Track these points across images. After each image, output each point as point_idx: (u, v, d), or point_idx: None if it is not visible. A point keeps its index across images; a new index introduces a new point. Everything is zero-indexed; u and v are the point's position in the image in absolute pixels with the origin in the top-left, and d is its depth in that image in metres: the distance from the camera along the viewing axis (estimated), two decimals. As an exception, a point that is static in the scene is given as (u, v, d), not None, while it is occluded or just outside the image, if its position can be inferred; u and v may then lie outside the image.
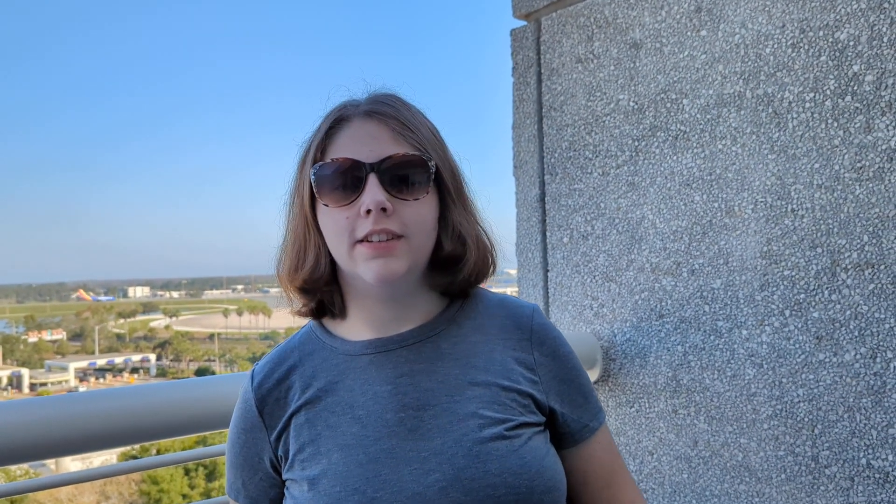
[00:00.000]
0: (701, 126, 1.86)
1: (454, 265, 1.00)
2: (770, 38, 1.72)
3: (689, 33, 1.88)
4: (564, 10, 2.20)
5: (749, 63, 1.76)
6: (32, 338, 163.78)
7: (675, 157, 1.91)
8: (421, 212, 0.95)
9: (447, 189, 0.99)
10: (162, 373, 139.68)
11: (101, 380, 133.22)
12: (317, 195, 0.97)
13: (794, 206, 1.68)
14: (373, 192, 0.91)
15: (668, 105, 1.93)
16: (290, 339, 1.10)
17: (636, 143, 2.00)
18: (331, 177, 0.95)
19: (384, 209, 0.91)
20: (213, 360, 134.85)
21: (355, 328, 1.03)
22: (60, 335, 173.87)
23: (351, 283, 1.01)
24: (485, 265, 1.05)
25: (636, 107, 2.00)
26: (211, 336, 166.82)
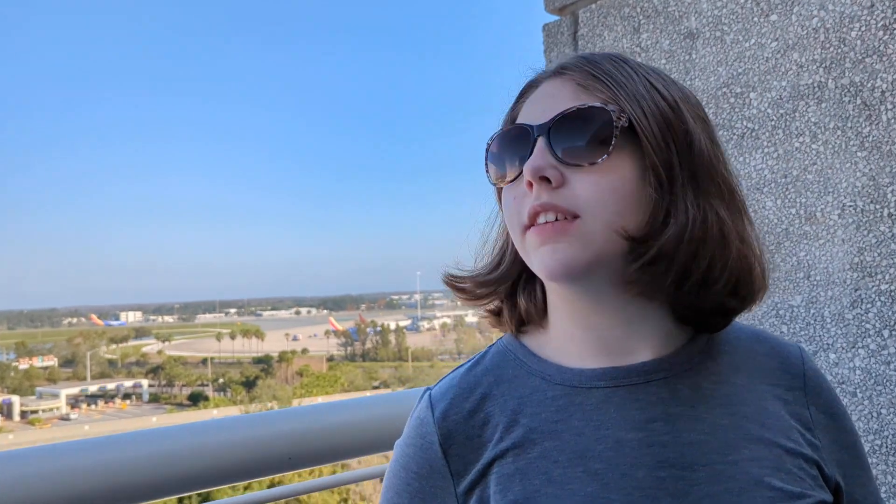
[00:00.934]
0: (773, 122, 1.65)
1: (670, 268, 0.70)
2: (856, 20, 1.52)
3: (756, 19, 1.67)
4: (605, 1, 2.00)
5: (831, 49, 1.55)
6: (23, 364, 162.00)
7: (741, 159, 1.70)
8: (601, 182, 0.69)
9: (662, 155, 0.71)
10: (154, 398, 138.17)
11: (93, 406, 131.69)
12: (488, 174, 0.79)
13: (892, 210, 1.46)
14: (533, 157, 0.70)
15: (732, 100, 1.72)
16: (477, 358, 0.84)
17: (694, 144, 1.79)
18: (498, 150, 0.77)
19: (546, 178, 0.70)
20: (207, 385, 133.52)
21: (568, 349, 0.78)
22: (52, 361, 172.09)
23: (551, 285, 0.78)
24: (750, 282, 0.75)
25: (693, 103, 1.79)
26: (204, 360, 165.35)
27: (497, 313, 0.85)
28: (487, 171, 0.78)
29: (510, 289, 0.81)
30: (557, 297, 0.78)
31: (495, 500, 0.72)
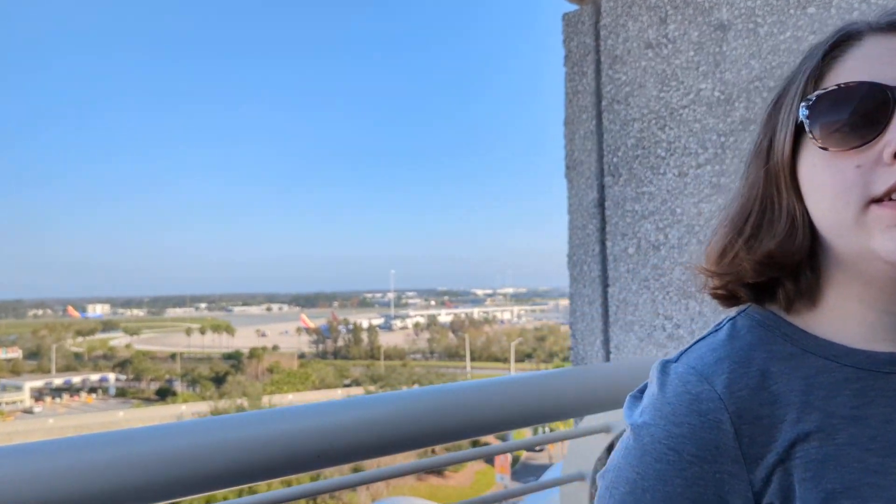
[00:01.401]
0: (808, 118, 1.60)
1: None
2: (900, 13, 1.48)
3: (792, 11, 1.63)
4: (629, -10, 1.95)
5: (872, 43, 1.52)
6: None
7: (773, 155, 1.66)
8: None
9: None
10: (121, 393, 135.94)
11: (58, 399, 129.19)
12: (812, 136, 0.67)
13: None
14: None
15: (765, 94, 1.67)
16: (726, 330, 0.75)
17: (722, 139, 1.74)
18: (836, 109, 0.65)
19: None
20: (175, 380, 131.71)
21: (850, 330, 0.71)
22: (16, 353, 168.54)
23: (841, 261, 0.70)
24: None
25: (722, 97, 1.74)
26: (173, 355, 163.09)
27: (729, 293, 0.77)
28: (811, 131, 0.67)
29: (795, 262, 0.72)
30: (854, 277, 0.69)
31: (805, 488, 0.64)
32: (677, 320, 1.83)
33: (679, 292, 1.82)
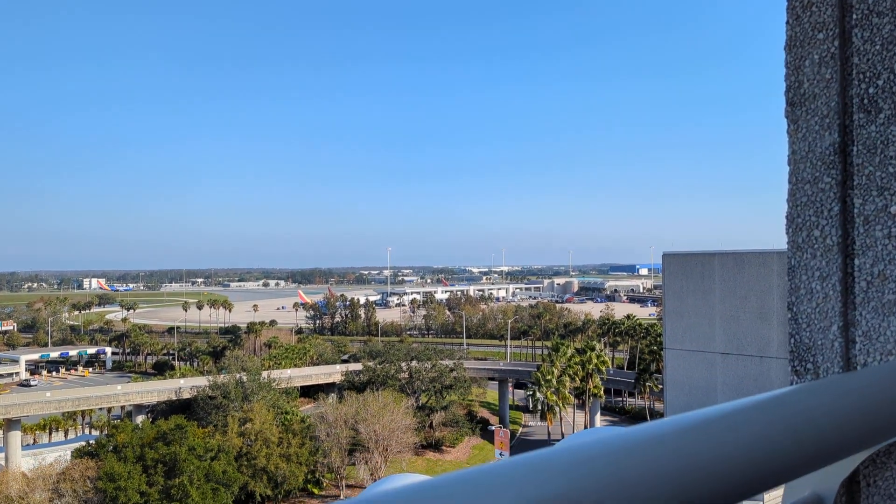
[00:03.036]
0: None
1: None
2: None
3: None
4: None
5: None
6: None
7: None
8: None
9: None
10: (118, 366, 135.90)
11: (54, 372, 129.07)
12: None
13: None
14: None
15: None
16: None
17: None
18: None
19: None
20: (172, 354, 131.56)
21: None
22: (11, 326, 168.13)
23: None
24: None
25: None
26: (170, 329, 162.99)
27: None
28: None
29: None
30: None
31: None
32: (971, 301, 1.39)
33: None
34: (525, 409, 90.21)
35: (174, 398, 73.45)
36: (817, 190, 1.57)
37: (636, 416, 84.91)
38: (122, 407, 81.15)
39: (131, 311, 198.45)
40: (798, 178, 1.60)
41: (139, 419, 70.08)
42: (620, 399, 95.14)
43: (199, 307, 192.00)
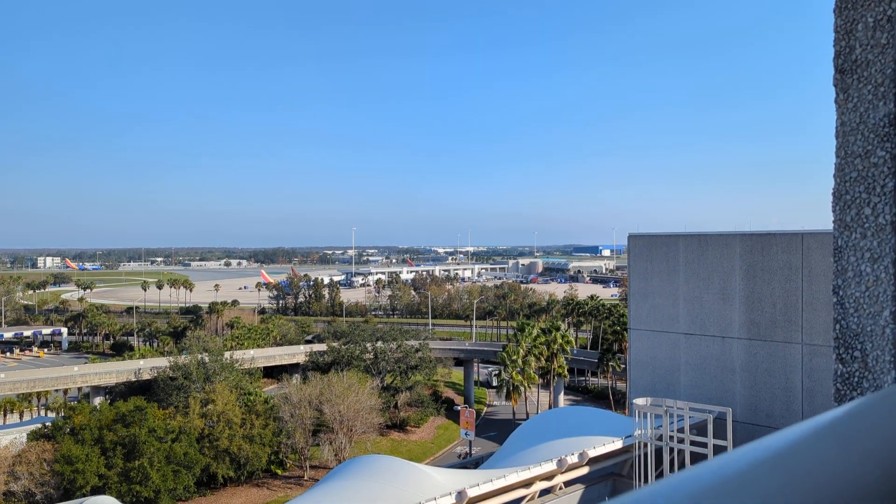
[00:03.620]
0: None
1: None
2: None
3: None
4: None
5: None
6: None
7: None
8: None
9: None
10: (75, 347, 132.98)
11: (8, 353, 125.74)
12: None
13: None
14: None
15: None
16: None
17: None
18: None
19: None
20: (132, 334, 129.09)
21: None
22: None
23: None
24: None
25: None
26: (128, 309, 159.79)
27: None
28: None
29: None
30: None
31: None
32: None
33: None
34: (488, 385, 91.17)
35: (133, 379, 72.17)
36: (869, 164, 1.46)
37: (599, 396, 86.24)
38: (80, 388, 79.44)
39: (88, 290, 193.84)
40: (847, 151, 1.49)
41: (97, 401, 68.72)
42: (584, 378, 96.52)
43: (159, 287, 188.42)
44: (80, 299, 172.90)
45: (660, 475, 20.37)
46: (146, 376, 70.98)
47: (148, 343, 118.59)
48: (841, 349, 1.55)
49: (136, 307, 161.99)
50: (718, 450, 16.66)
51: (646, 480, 19.54)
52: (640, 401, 19.49)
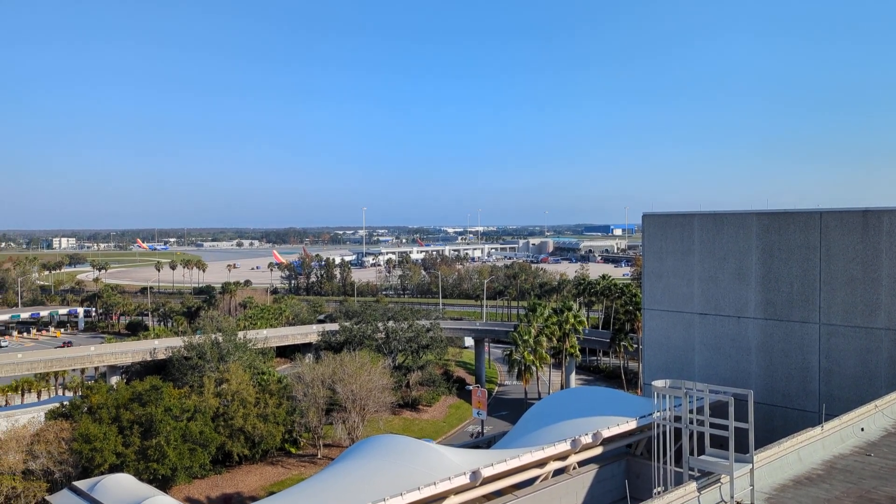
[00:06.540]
0: None
1: None
2: None
3: None
4: None
5: None
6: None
7: None
8: None
9: None
10: (91, 326, 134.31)
11: (25, 333, 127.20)
12: None
13: None
14: None
15: None
16: None
17: None
18: None
19: None
20: (146, 314, 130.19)
21: None
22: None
23: None
24: None
25: None
26: (143, 289, 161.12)
27: None
28: None
29: None
30: None
31: None
32: None
33: None
34: (502, 362, 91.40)
35: (149, 359, 72.85)
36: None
37: (611, 376, 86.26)
38: (96, 368, 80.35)
39: (103, 270, 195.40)
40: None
41: (113, 380, 69.49)
42: (595, 358, 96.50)
43: (173, 267, 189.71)
44: (96, 280, 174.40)
45: (678, 454, 20.31)
46: (161, 356, 71.61)
47: (162, 323, 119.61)
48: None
49: (151, 287, 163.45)
50: (739, 432, 16.53)
51: (664, 461, 19.49)
52: (658, 383, 19.34)
